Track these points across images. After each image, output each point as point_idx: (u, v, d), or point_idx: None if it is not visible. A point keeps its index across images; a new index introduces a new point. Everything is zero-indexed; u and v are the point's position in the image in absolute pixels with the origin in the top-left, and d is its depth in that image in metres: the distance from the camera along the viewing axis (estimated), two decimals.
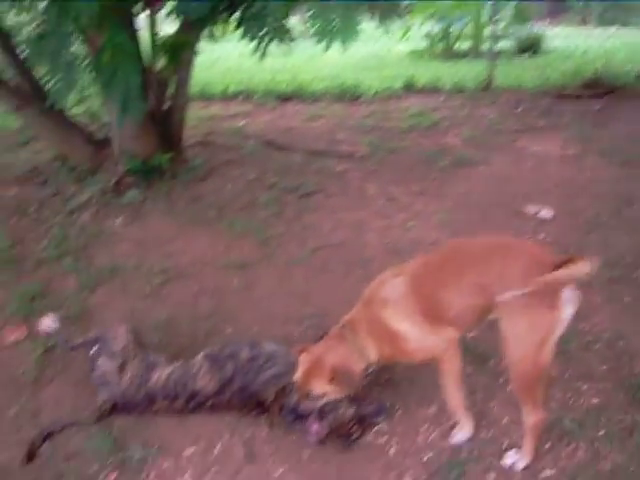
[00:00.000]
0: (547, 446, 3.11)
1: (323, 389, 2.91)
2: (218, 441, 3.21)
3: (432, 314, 2.90)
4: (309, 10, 4.75)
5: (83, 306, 4.37)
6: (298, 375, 2.95)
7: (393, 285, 3.00)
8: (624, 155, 7.12)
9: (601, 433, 3.15)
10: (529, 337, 2.68)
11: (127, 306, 4.37)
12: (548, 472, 2.98)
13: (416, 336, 2.92)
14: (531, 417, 2.87)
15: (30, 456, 3.11)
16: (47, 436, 3.19)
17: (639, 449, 3.04)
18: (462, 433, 3.15)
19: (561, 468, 3.00)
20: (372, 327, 2.98)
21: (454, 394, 3.10)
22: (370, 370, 3.19)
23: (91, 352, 3.42)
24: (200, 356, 3.40)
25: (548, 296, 2.63)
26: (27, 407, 3.49)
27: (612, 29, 18.25)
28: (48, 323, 3.58)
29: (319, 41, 4.34)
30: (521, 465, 2.99)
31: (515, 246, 2.89)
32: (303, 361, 2.97)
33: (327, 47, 4.34)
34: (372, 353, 3.00)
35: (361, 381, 3.10)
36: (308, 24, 4.46)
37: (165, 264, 4.90)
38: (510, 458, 3.02)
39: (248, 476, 3.04)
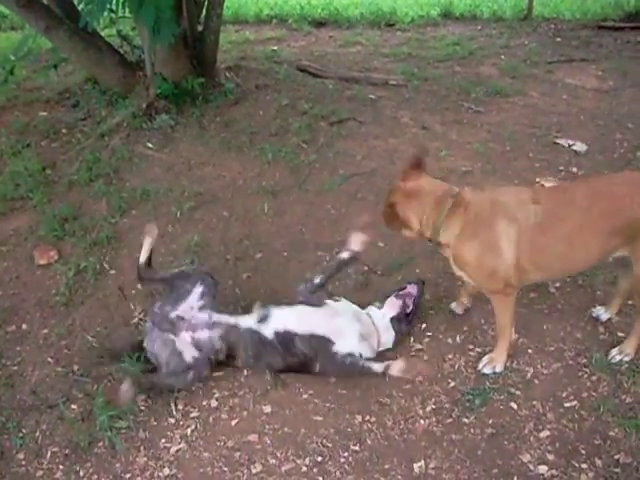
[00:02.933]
0: (570, 377, 3.13)
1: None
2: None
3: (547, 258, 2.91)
4: None
5: (114, 229, 4.39)
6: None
7: (526, 208, 2.88)
8: None
9: (625, 367, 3.15)
10: None
11: (159, 230, 4.36)
12: (571, 403, 3.01)
13: (507, 264, 2.87)
14: None
15: None
16: None
17: None
18: (497, 366, 3.16)
19: (583, 399, 3.02)
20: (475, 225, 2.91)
21: (508, 328, 3.11)
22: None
23: None
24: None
25: None
26: (58, 328, 3.55)
27: None
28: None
29: None
30: (627, 359, 3.15)
31: None
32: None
33: None
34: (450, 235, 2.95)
35: None
36: None
37: (196, 189, 4.87)
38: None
39: (275, 399, 3.09)
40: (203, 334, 3.10)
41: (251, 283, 3.88)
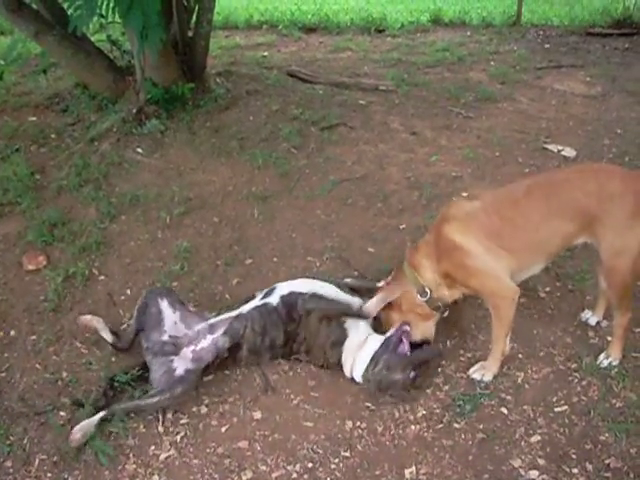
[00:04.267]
0: (560, 382, 3.14)
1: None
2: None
3: (508, 240, 2.97)
4: None
5: (103, 235, 4.36)
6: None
7: (465, 206, 3.08)
8: None
9: (615, 371, 3.17)
10: (633, 247, 2.89)
11: (147, 235, 4.37)
12: (561, 407, 3.01)
13: (480, 255, 2.96)
14: (624, 318, 3.10)
15: None
16: None
17: None
18: (488, 373, 3.16)
19: (574, 404, 3.03)
20: (438, 247, 3.05)
21: (503, 337, 3.11)
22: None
23: None
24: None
25: None
26: (47, 334, 3.52)
27: None
28: None
29: None
30: (615, 363, 3.18)
31: (601, 167, 3.23)
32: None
33: None
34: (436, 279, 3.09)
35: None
36: None
37: (186, 194, 4.86)
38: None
39: (265, 405, 3.07)
40: (206, 342, 3.11)
41: (241, 289, 3.85)
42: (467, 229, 2.97)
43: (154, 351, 3.11)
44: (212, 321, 3.20)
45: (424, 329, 3.21)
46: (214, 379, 3.21)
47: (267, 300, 3.21)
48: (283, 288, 3.26)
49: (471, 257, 2.95)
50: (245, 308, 3.21)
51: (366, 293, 3.43)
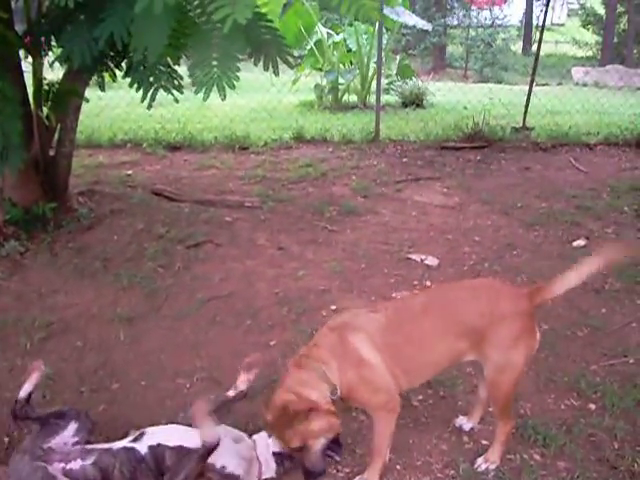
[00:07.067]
0: None
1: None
2: None
3: (405, 359, 3.01)
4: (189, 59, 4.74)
5: None
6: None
7: (370, 318, 3.06)
8: (504, 203, 7.50)
9: (491, 474, 3.24)
10: (516, 365, 3.02)
11: (6, 363, 4.17)
12: None
13: (381, 372, 2.96)
14: (507, 427, 3.21)
15: None
16: None
17: None
18: None
19: None
20: (338, 352, 2.98)
21: (385, 448, 3.12)
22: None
23: None
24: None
25: (530, 322, 3.01)
26: None
27: (489, 85, 19.22)
28: None
29: (196, 92, 4.30)
30: (492, 467, 3.24)
31: (491, 285, 3.32)
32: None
33: (205, 97, 4.31)
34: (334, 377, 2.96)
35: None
36: (188, 74, 4.41)
37: (48, 318, 4.71)
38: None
39: None
40: (75, 464, 2.94)
41: (108, 415, 3.72)
42: (373, 344, 2.96)
43: (25, 450, 2.96)
44: (87, 447, 3.06)
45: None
46: None
47: (135, 446, 3.03)
48: (152, 437, 3.07)
49: (374, 372, 2.95)
50: (115, 445, 3.06)
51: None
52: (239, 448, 3.14)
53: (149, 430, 3.13)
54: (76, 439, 3.11)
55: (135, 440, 3.07)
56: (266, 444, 3.21)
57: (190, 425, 3.11)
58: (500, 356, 3.01)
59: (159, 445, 3.03)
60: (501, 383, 3.06)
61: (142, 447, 3.02)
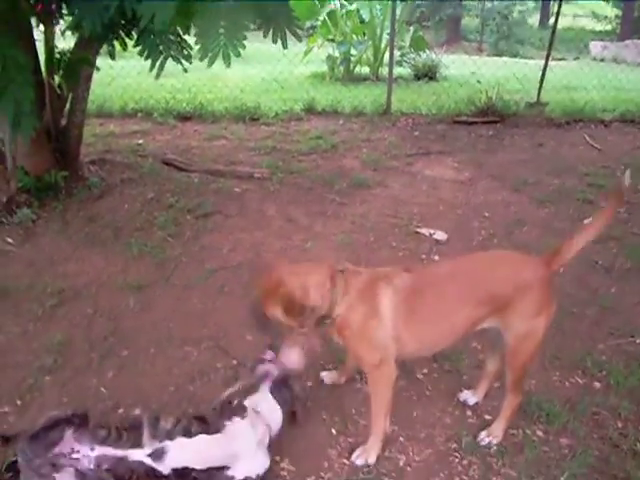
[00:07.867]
0: (442, 462, 3.22)
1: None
2: None
3: (420, 324, 3.03)
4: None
5: None
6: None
7: (402, 277, 3.04)
8: (514, 180, 7.48)
9: (493, 449, 3.28)
10: (538, 333, 3.03)
11: (18, 329, 4.22)
12: None
13: (385, 333, 2.97)
14: (516, 401, 3.25)
15: None
16: None
17: (529, 464, 3.19)
18: (370, 455, 3.19)
19: None
20: (359, 295, 3.00)
21: (382, 415, 3.15)
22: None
23: None
24: None
25: (550, 290, 3.03)
26: None
27: (504, 59, 19.05)
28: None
29: (201, 59, 4.28)
30: (495, 442, 3.29)
31: (512, 254, 3.35)
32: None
33: (210, 64, 4.28)
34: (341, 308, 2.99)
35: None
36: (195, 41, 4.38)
37: (59, 285, 4.75)
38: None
39: None
40: (87, 468, 2.77)
41: (117, 382, 3.77)
42: (394, 303, 2.96)
43: (28, 459, 2.74)
44: (98, 451, 2.81)
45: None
46: None
47: (158, 467, 2.81)
48: (175, 456, 2.85)
49: (378, 328, 2.96)
50: (133, 455, 2.82)
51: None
52: (254, 438, 3.02)
53: (170, 447, 2.86)
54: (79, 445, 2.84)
55: (155, 458, 2.84)
56: (262, 398, 3.17)
57: (201, 417, 3.03)
58: (523, 324, 3.01)
59: (185, 469, 2.85)
60: (521, 352, 3.07)
61: (165, 469, 2.83)
